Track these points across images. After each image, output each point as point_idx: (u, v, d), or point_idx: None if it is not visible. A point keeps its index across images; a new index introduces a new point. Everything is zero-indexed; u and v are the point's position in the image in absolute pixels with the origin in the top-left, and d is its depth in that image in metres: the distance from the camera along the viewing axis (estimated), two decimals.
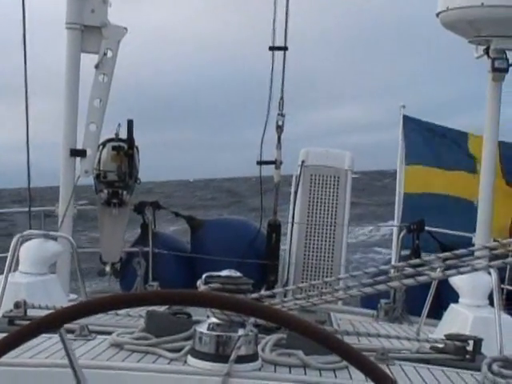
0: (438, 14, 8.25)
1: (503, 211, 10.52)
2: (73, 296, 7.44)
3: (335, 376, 3.41)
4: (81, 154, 8.43)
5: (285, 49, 9.18)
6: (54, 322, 1.81)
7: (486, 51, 8.14)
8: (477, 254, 3.92)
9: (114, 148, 8.74)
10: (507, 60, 8.05)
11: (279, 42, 9.16)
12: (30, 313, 4.23)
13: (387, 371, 3.62)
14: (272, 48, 9.11)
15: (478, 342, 4.09)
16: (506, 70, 8.09)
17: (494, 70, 8.06)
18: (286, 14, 9.05)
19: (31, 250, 5.61)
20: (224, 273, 3.62)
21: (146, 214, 9.20)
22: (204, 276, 3.59)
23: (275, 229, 9.41)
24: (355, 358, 1.82)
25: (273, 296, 4.44)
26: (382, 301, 8.36)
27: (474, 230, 8.54)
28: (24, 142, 7.95)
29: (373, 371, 1.79)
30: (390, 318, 8.23)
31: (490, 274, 5.05)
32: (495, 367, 3.55)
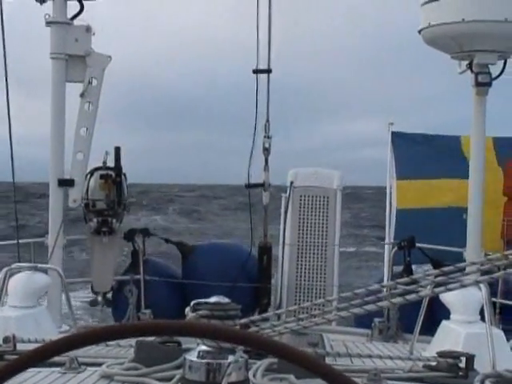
0: (420, 31, 8.30)
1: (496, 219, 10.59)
2: (65, 327, 7.40)
3: None
4: (69, 183, 8.43)
5: (268, 71, 9.20)
6: (36, 358, 1.78)
7: (469, 66, 8.19)
8: (467, 269, 3.92)
9: (101, 176, 8.72)
10: (490, 74, 8.10)
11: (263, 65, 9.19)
12: (20, 347, 4.19)
13: None
14: (256, 71, 9.13)
15: (470, 359, 4.08)
16: (490, 84, 8.14)
17: (478, 84, 8.10)
18: (269, 36, 9.07)
19: (20, 283, 5.57)
20: (212, 299, 3.60)
21: (136, 242, 9.17)
22: (192, 303, 3.58)
23: (266, 251, 9.38)
24: (335, 378, 1.80)
25: (264, 320, 4.42)
26: (376, 319, 8.32)
27: (465, 244, 8.56)
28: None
29: None
30: (385, 336, 8.20)
31: (480, 289, 5.04)
32: None
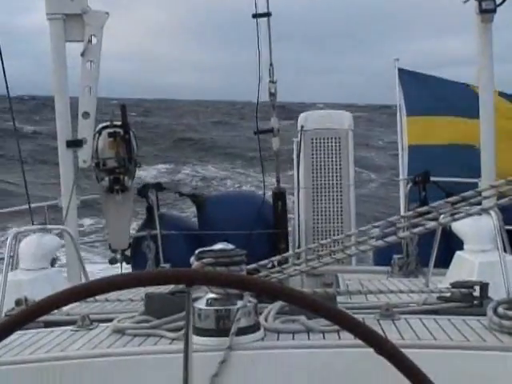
0: None
1: (508, 155, 10.40)
2: None
3: (339, 337, 3.37)
4: (78, 144, 8.40)
5: (268, 15, 9.08)
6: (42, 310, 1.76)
7: None
8: (484, 194, 3.86)
9: (110, 135, 8.69)
10: (494, 0, 7.92)
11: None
12: None
13: (392, 326, 3.59)
14: (255, 15, 9.02)
15: (484, 287, 4.04)
16: (494, 11, 7.96)
17: (482, 11, 7.93)
18: None
19: (30, 245, 5.58)
20: (216, 246, 3.58)
21: (149, 197, 9.18)
22: (196, 251, 3.56)
23: (280, 196, 9.37)
24: (341, 320, 1.78)
25: (283, 263, 4.39)
26: (395, 256, 8.31)
27: (479, 176, 8.46)
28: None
29: (364, 332, 1.74)
30: (405, 272, 8.18)
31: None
32: (501, 310, 3.51)
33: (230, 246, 3.59)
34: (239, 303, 3.32)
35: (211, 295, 3.35)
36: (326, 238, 9.28)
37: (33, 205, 8.00)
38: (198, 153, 44.13)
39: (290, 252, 6.63)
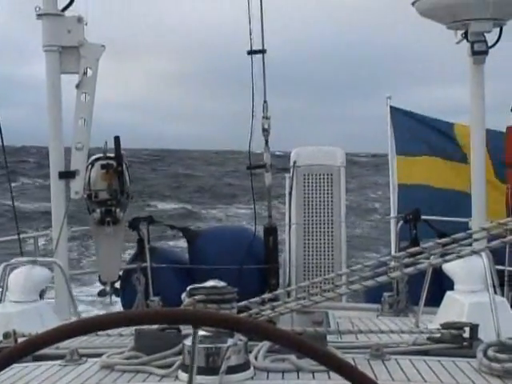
0: (413, 3, 8.22)
1: (496, 200, 10.50)
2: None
3: (329, 377, 3.37)
4: (70, 175, 8.41)
5: (263, 52, 9.14)
6: (26, 350, 1.76)
7: (465, 35, 8.11)
8: (475, 236, 3.87)
9: (102, 167, 8.68)
10: (486, 42, 8.02)
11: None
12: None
13: (382, 367, 3.59)
14: (250, 52, 9.08)
15: (474, 328, 4.05)
16: (486, 53, 8.06)
17: (474, 53, 8.02)
18: (261, 16, 9.01)
19: (19, 277, 5.55)
20: (208, 283, 3.58)
21: (140, 230, 9.16)
22: (188, 288, 3.56)
23: (271, 232, 9.37)
24: (329, 361, 1.79)
25: (273, 300, 4.39)
26: (385, 294, 8.29)
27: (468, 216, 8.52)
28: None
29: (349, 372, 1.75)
30: (395, 310, 8.16)
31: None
32: (490, 352, 3.52)
33: (222, 284, 3.59)
34: (229, 341, 3.32)
35: (202, 332, 3.34)
36: (316, 274, 9.27)
37: (23, 235, 7.99)
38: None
39: (281, 290, 6.64)
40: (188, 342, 3.34)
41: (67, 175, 8.38)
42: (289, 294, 4.63)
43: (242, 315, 3.71)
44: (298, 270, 9.36)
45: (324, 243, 9.37)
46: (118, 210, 8.74)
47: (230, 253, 9.24)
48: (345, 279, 4.35)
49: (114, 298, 9.07)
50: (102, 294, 9.07)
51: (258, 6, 8.97)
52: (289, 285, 9.17)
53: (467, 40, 8.08)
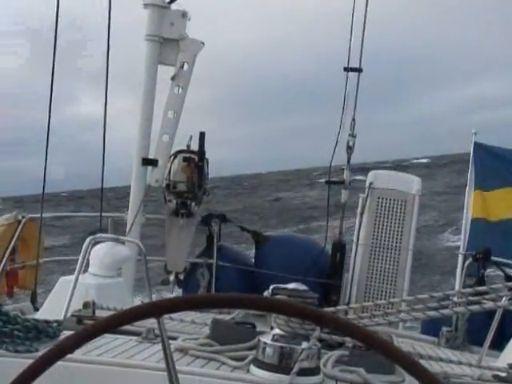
0: None
1: None
2: (136, 301, 7.54)
3: None
4: (153, 163, 8.58)
5: (359, 70, 9.21)
6: (116, 322, 1.85)
7: None
8: None
9: (185, 159, 8.84)
10: None
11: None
12: (98, 313, 4.33)
13: None
14: (347, 69, 9.15)
15: None
16: None
17: None
18: (363, 35, 9.08)
19: (102, 252, 5.73)
20: (291, 285, 3.66)
21: (212, 227, 9.28)
22: (271, 287, 3.64)
23: (340, 248, 9.41)
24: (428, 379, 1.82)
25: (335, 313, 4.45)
26: (444, 328, 8.25)
27: None
28: None
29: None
30: (452, 346, 8.11)
31: None
32: None
33: (303, 287, 3.67)
34: (304, 344, 3.38)
35: (277, 331, 3.42)
36: (377, 297, 9.27)
37: (103, 214, 8.19)
38: None
39: (343, 306, 6.67)
40: (263, 338, 3.42)
41: (150, 162, 8.55)
42: (346, 312, 4.68)
43: None
44: (359, 290, 9.37)
45: (389, 268, 9.37)
46: (193, 203, 8.90)
47: (295, 262, 9.29)
48: (408, 306, 4.39)
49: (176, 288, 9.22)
50: (165, 282, 9.22)
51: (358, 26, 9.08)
52: (348, 303, 9.20)
53: None
